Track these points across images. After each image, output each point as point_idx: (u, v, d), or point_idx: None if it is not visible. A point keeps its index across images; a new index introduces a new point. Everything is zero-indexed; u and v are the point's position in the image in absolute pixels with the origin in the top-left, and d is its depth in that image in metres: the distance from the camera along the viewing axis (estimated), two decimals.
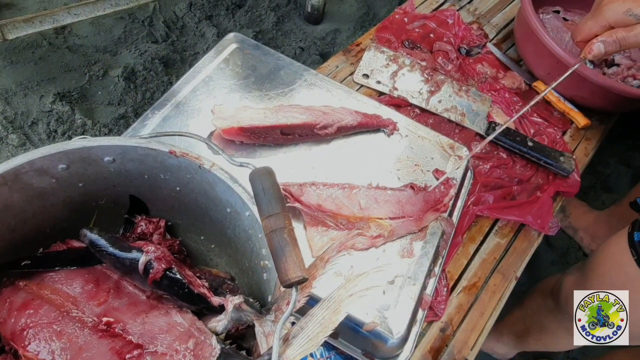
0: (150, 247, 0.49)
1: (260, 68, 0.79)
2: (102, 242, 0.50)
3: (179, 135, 0.58)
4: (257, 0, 1.52)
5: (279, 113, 0.70)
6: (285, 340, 0.40)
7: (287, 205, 0.61)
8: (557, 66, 0.96)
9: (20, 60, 1.26)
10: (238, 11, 1.49)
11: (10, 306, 0.47)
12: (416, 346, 0.68)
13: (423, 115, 0.94)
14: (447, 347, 0.73)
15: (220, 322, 0.47)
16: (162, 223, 0.59)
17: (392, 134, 0.77)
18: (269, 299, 0.48)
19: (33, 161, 0.47)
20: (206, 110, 0.71)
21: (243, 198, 0.50)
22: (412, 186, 0.69)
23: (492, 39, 1.14)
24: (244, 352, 0.46)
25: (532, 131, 0.98)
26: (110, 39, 1.36)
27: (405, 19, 1.10)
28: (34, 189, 0.49)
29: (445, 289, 0.75)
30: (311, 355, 0.66)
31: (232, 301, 0.46)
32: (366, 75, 0.97)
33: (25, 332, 0.45)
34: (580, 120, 1.01)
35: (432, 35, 1.08)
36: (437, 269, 0.70)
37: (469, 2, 1.20)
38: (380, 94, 0.96)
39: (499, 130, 0.72)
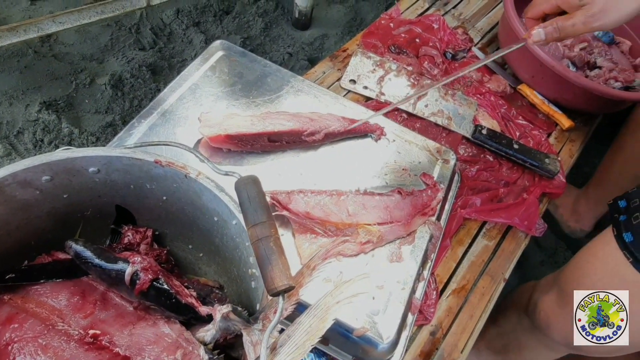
0: (136, 258, 0.48)
1: (247, 75, 0.79)
2: (88, 253, 0.49)
3: (165, 144, 0.58)
4: (244, 6, 1.52)
5: (266, 120, 0.70)
6: (273, 349, 0.40)
7: (275, 213, 0.61)
8: (541, 69, 0.97)
9: (5, 69, 1.24)
10: (226, 17, 1.49)
11: None
12: (406, 350, 0.68)
13: (410, 119, 0.95)
14: (438, 351, 0.73)
15: (208, 332, 0.47)
16: (150, 233, 0.59)
17: (379, 139, 0.77)
18: (258, 307, 0.48)
19: (16, 173, 0.46)
20: (193, 118, 0.71)
21: (229, 206, 0.50)
22: (399, 191, 0.70)
23: (477, 43, 1.15)
24: None
25: (517, 134, 0.99)
26: (97, 46, 1.34)
27: (391, 25, 1.11)
28: (17, 201, 0.49)
29: (434, 293, 0.75)
30: None
31: (220, 311, 0.45)
32: (353, 81, 0.98)
33: (10, 347, 0.44)
34: (565, 122, 1.02)
35: (417, 40, 1.09)
36: (426, 273, 0.71)
37: (453, 7, 1.22)
38: (367, 99, 0.96)
39: None
